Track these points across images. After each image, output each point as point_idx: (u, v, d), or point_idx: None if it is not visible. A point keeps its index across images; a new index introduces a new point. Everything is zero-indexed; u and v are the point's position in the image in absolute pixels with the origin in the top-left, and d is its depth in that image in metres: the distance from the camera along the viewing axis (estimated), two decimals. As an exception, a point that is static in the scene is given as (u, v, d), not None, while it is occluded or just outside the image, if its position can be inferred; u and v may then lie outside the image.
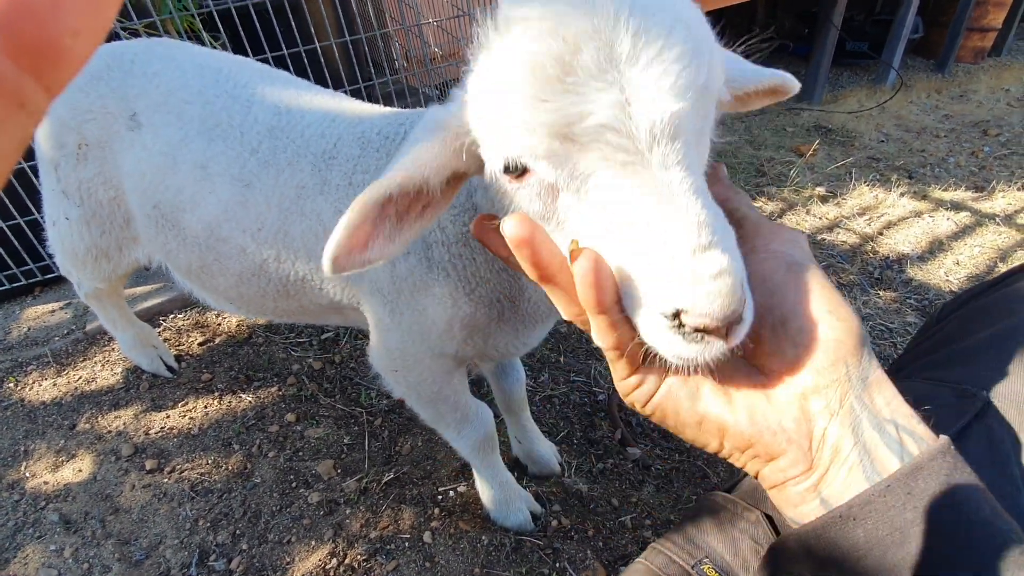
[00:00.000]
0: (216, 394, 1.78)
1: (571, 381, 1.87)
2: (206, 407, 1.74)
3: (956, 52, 5.29)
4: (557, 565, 1.31)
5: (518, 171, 0.53)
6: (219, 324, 2.07)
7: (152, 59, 1.19)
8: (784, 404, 0.51)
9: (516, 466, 1.55)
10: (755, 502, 0.77)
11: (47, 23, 0.15)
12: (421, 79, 2.78)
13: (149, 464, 1.56)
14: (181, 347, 1.97)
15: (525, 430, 1.52)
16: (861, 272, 2.67)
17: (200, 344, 1.97)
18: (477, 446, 1.26)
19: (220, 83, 1.15)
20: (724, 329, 0.46)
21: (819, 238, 2.91)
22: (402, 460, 1.57)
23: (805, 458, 0.50)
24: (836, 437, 0.49)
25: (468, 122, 0.57)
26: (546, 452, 1.53)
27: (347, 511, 1.43)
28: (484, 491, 1.39)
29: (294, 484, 1.50)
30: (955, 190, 3.40)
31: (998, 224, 3.05)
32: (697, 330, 0.46)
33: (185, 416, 1.72)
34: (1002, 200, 3.30)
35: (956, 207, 3.21)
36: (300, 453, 1.59)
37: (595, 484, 1.52)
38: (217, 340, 1.99)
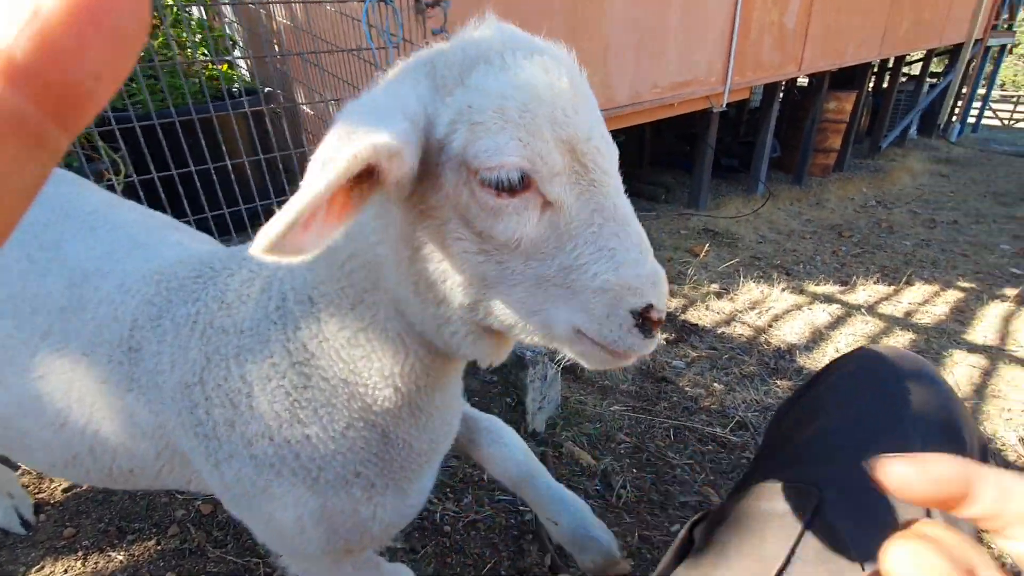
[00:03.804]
0: (80, 553, 1.50)
1: (497, 501, 1.78)
2: (66, 571, 1.45)
3: (808, 168, 6.26)
4: None
5: (512, 187, 0.56)
6: (90, 463, 1.79)
7: None
8: None
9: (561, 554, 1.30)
10: None
11: (71, 68, 0.16)
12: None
13: (-22, 659, 1.24)
14: (41, 494, 1.67)
15: (552, 499, 1.18)
16: (759, 363, 2.87)
17: (65, 490, 1.68)
18: None
19: (25, 243, 0.97)
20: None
21: (719, 331, 3.14)
22: (308, 617, 1.37)
23: None
24: None
25: (450, 126, 0.56)
26: (597, 531, 1.17)
27: None
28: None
29: (171, 666, 1.25)
30: (825, 284, 3.87)
31: (863, 314, 3.47)
32: (652, 324, 0.59)
33: (37, 587, 1.42)
34: (863, 293, 3.79)
35: (828, 300, 3.64)
36: (181, 623, 1.34)
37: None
38: (85, 485, 1.71)
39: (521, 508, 1.76)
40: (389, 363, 0.73)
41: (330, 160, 0.48)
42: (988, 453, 0.99)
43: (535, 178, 0.56)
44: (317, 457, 0.78)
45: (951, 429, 0.89)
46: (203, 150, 1.96)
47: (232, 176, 2.06)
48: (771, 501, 0.83)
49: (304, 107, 2.75)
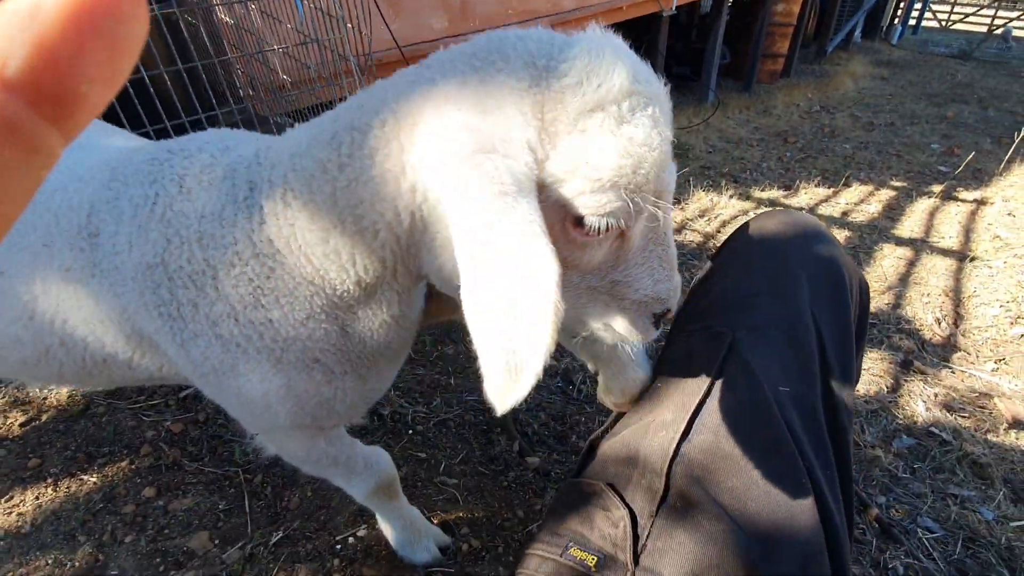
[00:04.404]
0: (49, 480, 1.50)
1: (464, 402, 1.87)
2: (38, 497, 1.46)
3: (757, 75, 6.25)
4: (470, 589, 1.29)
5: (595, 228, 0.62)
6: (44, 399, 1.74)
7: None
8: None
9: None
10: (599, 477, 0.85)
11: (67, 73, 0.16)
12: (270, 107, 2.63)
13: (-36, 581, 1.26)
14: (-4, 432, 1.63)
15: None
16: (708, 266, 3.01)
17: (22, 425, 1.65)
18: (370, 496, 1.17)
19: None
20: None
21: (671, 239, 3.24)
22: (291, 516, 1.44)
23: None
24: None
25: (563, 175, 0.60)
26: None
27: (231, 584, 1.28)
28: (388, 532, 1.33)
29: (162, 567, 1.30)
30: (770, 190, 4.00)
31: (805, 215, 3.65)
32: (664, 319, 0.75)
33: (12, 512, 1.42)
34: (805, 196, 3.95)
35: (772, 204, 3.78)
36: (166, 531, 1.39)
37: (501, 500, 1.52)
38: (44, 418, 1.68)
39: (489, 406, 1.85)
40: (369, 277, 0.75)
41: (534, 311, 0.53)
42: (867, 293, 1.14)
43: (627, 224, 0.64)
44: (279, 339, 0.80)
45: (833, 271, 1.04)
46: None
47: (152, 90, 1.89)
48: (692, 348, 0.95)
49: (220, 12, 2.50)
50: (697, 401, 0.84)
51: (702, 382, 0.86)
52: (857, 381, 1.11)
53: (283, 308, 0.78)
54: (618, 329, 0.74)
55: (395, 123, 0.63)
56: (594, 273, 0.69)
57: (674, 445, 0.80)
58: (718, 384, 0.86)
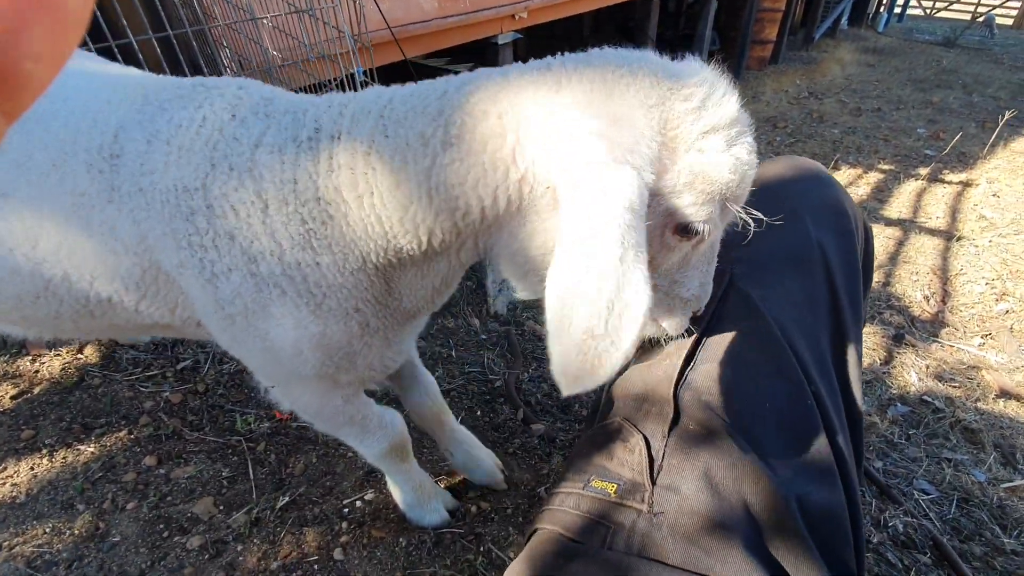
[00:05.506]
0: (44, 451, 1.46)
1: (466, 373, 1.86)
2: (32, 468, 1.42)
3: (746, 61, 6.28)
4: (482, 549, 1.29)
5: (694, 232, 0.70)
6: (36, 372, 1.70)
7: None
8: None
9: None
10: (617, 415, 0.87)
11: (7, 49, 0.15)
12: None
13: (-41, 551, 1.22)
14: (-14, 405, 1.59)
15: (455, 440, 1.38)
16: (702, 245, 3.03)
17: (13, 398, 1.61)
18: (382, 457, 1.16)
19: None
20: None
21: (665, 220, 3.25)
22: (296, 481, 1.42)
23: None
24: None
25: (682, 187, 0.66)
26: (486, 460, 1.43)
27: (238, 547, 1.25)
28: (397, 495, 1.32)
29: (166, 533, 1.28)
30: (761, 172, 4.04)
31: (796, 197, 3.68)
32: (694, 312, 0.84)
33: (5, 483, 1.38)
34: (795, 177, 3.99)
35: (764, 185, 3.82)
36: (169, 498, 1.36)
37: (507, 465, 1.52)
38: (36, 390, 1.64)
39: (490, 376, 1.85)
40: (437, 246, 0.76)
41: (627, 308, 0.59)
42: (871, 233, 1.17)
43: (713, 230, 0.72)
44: (324, 284, 0.78)
45: (838, 211, 1.06)
46: (100, 25, 1.72)
47: (140, 56, 1.83)
48: None
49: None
50: (697, 334, 0.87)
51: (703, 317, 0.89)
52: (864, 321, 1.12)
53: (335, 255, 0.76)
54: (663, 323, 0.84)
55: (514, 118, 0.66)
56: (664, 274, 0.77)
57: (677, 370, 0.83)
58: (719, 313, 0.90)
